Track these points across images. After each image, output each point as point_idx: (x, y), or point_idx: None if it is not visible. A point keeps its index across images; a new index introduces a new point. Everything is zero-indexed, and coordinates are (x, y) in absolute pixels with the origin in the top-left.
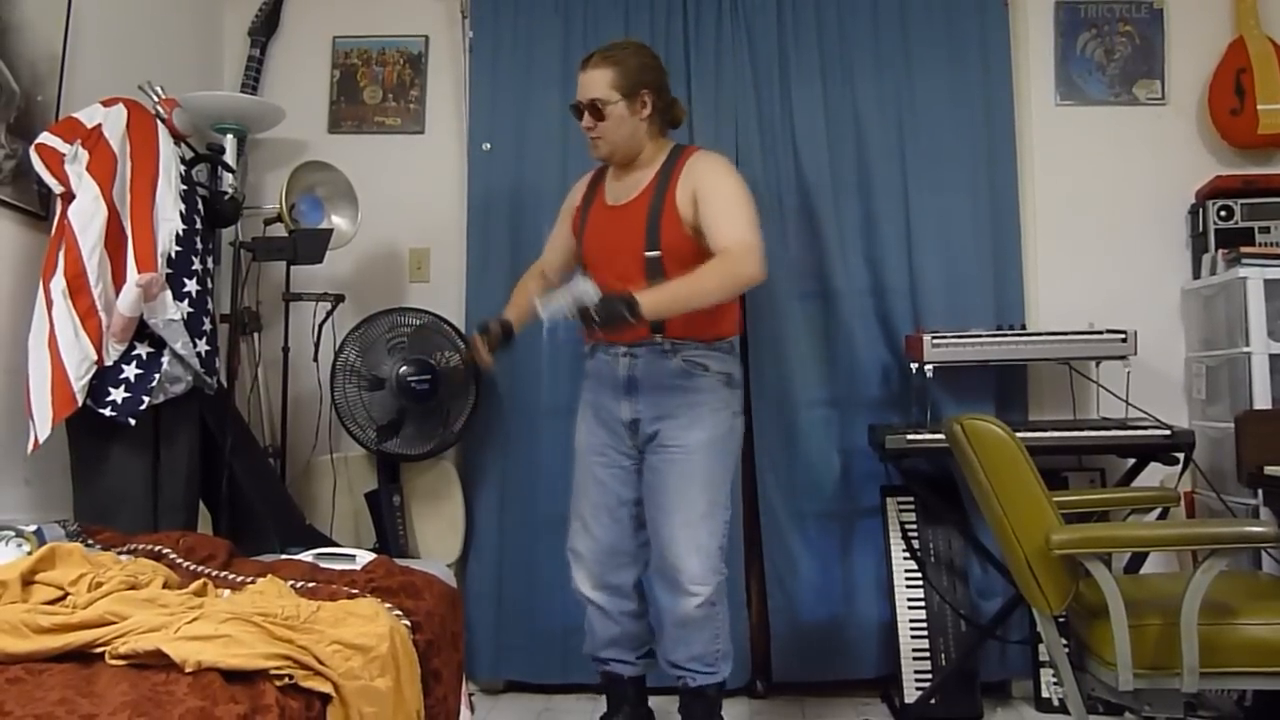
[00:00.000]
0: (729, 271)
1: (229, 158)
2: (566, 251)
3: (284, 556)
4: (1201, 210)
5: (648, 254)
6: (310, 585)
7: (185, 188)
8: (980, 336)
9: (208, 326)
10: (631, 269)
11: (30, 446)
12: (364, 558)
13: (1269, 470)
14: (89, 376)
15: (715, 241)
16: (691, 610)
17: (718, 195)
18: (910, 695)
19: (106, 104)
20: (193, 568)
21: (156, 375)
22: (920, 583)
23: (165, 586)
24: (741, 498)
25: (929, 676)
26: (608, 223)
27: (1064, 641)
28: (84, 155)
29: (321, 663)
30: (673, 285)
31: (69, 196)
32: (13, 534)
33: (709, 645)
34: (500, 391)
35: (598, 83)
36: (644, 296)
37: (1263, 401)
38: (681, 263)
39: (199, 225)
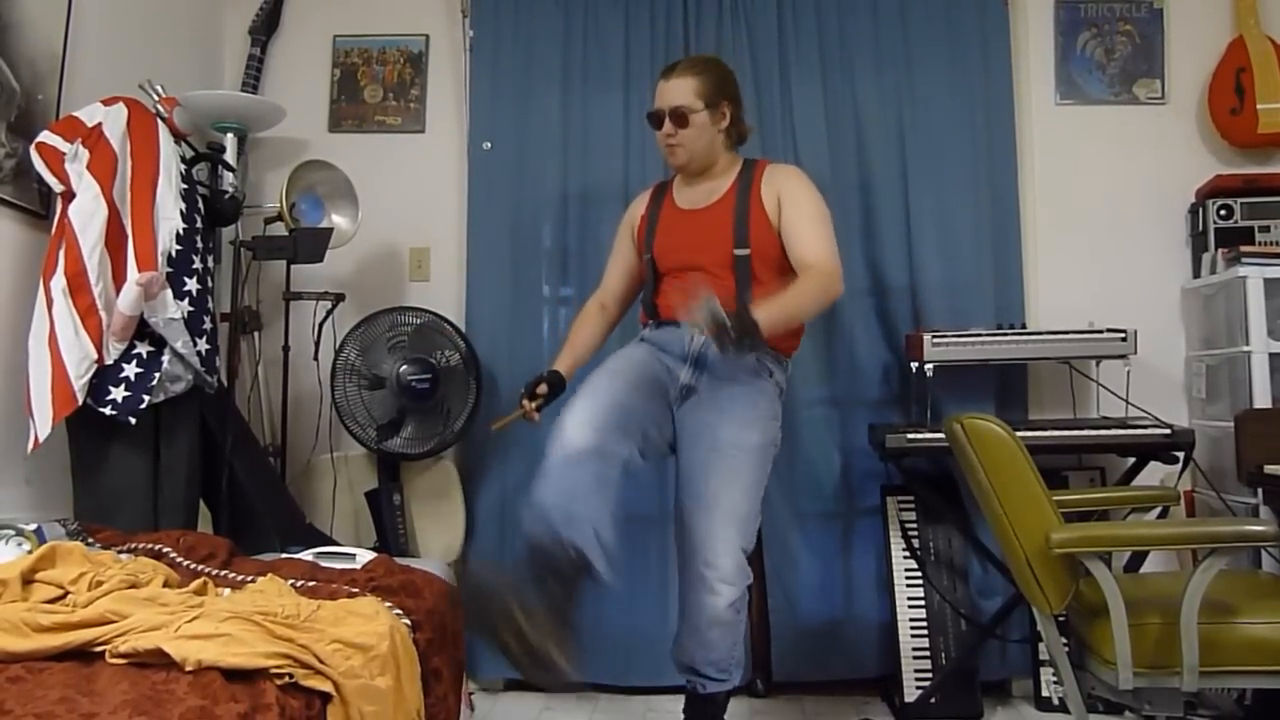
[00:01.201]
0: (825, 290)
1: (229, 156)
2: (629, 272)
3: (284, 555)
4: (1201, 209)
5: (737, 252)
6: (310, 584)
7: (186, 186)
8: (980, 336)
9: (208, 325)
10: (718, 267)
11: (30, 445)
12: (364, 557)
13: (1269, 469)
14: (89, 375)
15: (800, 254)
16: (722, 610)
17: (805, 207)
18: (910, 694)
19: (107, 103)
20: (193, 567)
21: (157, 374)
22: (920, 582)
23: (165, 585)
24: None
25: (929, 675)
26: (686, 224)
27: (1064, 640)
28: (84, 154)
29: (322, 661)
30: (780, 302)
31: (69, 195)
32: (13, 533)
33: (729, 651)
34: (501, 390)
35: (682, 90)
36: (759, 313)
37: (1263, 400)
38: (766, 262)
39: (199, 224)
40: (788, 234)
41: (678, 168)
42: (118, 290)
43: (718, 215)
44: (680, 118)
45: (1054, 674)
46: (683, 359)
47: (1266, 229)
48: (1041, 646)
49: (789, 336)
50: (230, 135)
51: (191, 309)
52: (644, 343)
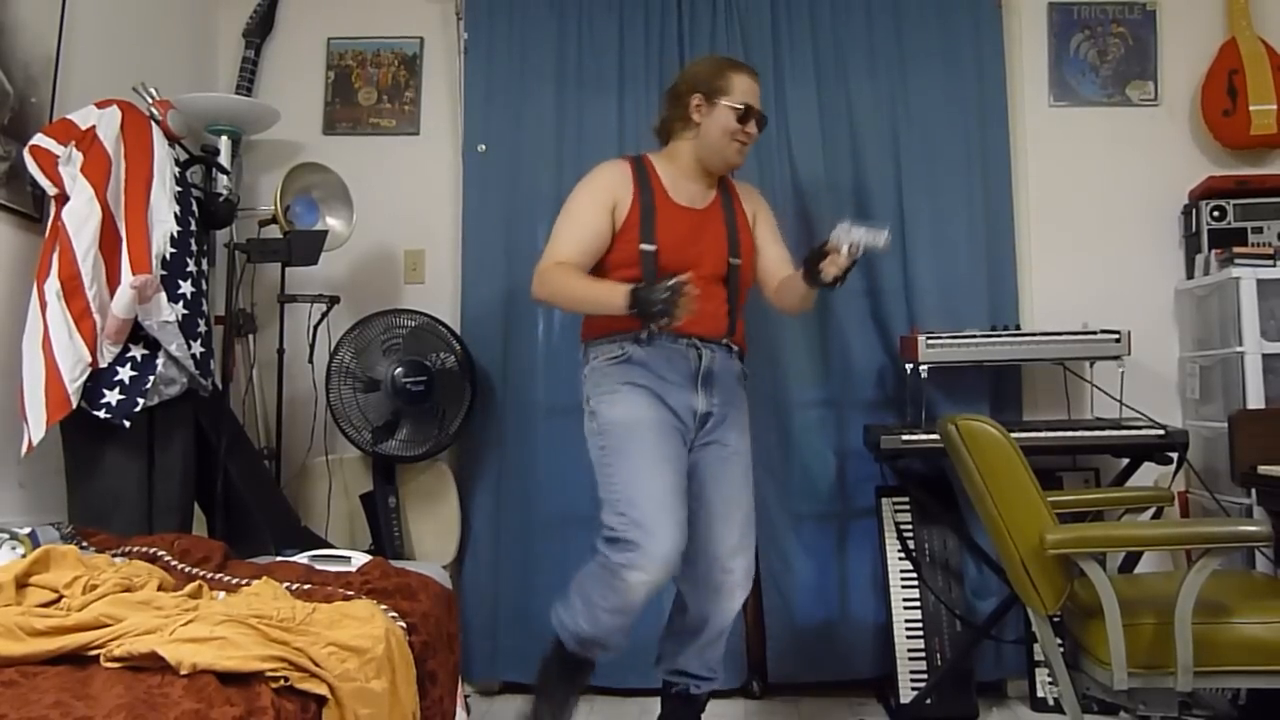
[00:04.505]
0: None
1: (224, 159)
2: (597, 248)
3: (279, 558)
4: (1194, 210)
5: (731, 260)
6: (306, 587)
7: (180, 189)
8: (975, 337)
9: (202, 328)
10: (713, 274)
11: (24, 449)
12: (359, 559)
13: (1262, 469)
14: (83, 378)
15: (781, 265)
16: (736, 613)
17: (774, 224)
18: (906, 695)
19: (101, 105)
20: (188, 570)
21: (151, 377)
22: (915, 583)
23: (160, 589)
24: None
25: (924, 676)
26: (690, 221)
27: (1059, 641)
28: (78, 157)
29: (317, 664)
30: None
31: (63, 198)
32: (7, 536)
33: (721, 650)
34: (496, 392)
35: None
36: None
37: (1256, 401)
38: (747, 275)
39: (194, 227)
40: (766, 247)
41: (734, 168)
42: (112, 293)
43: (714, 219)
44: (763, 122)
45: (1049, 674)
46: (688, 378)
47: (1259, 230)
48: (1037, 647)
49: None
50: (224, 138)
51: (186, 312)
52: (645, 391)
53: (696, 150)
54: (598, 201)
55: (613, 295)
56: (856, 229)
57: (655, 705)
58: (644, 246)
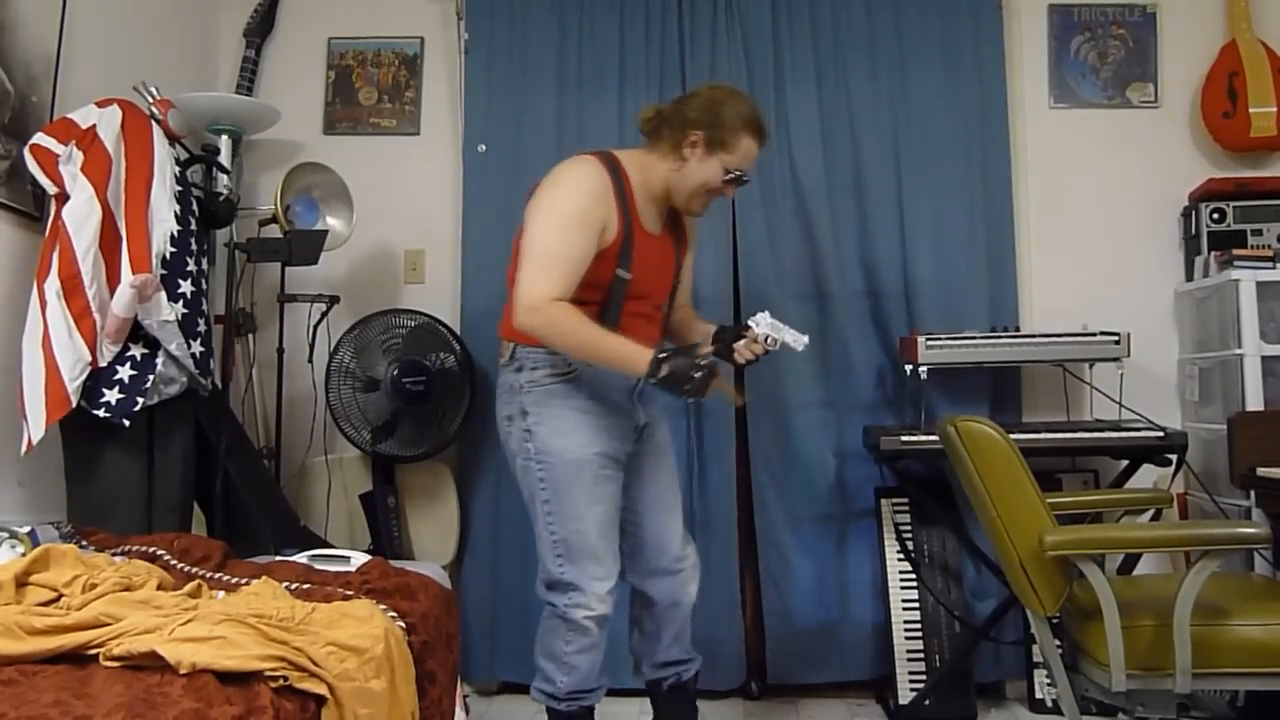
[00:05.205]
0: None
1: (224, 159)
2: (580, 277)
3: (279, 558)
4: (1194, 212)
5: (673, 284)
6: (305, 587)
7: (180, 189)
8: (974, 338)
9: (202, 327)
10: (665, 299)
11: (24, 448)
12: (359, 559)
13: (1261, 472)
14: (83, 377)
15: (688, 299)
16: (695, 594)
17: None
18: (905, 696)
19: (101, 105)
20: (187, 569)
21: (151, 376)
22: (915, 584)
23: (160, 588)
24: (736, 499)
25: (923, 677)
26: (654, 249)
27: (1057, 642)
28: (78, 156)
29: (316, 664)
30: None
31: (63, 197)
32: (6, 535)
33: (690, 631)
34: (495, 393)
35: None
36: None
37: (1255, 403)
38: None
39: (194, 226)
40: (685, 275)
41: (692, 215)
42: (112, 292)
43: (667, 246)
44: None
45: (1048, 676)
46: (627, 394)
47: (1259, 232)
48: (1035, 648)
49: None
50: (225, 137)
51: (186, 311)
52: (589, 419)
53: (670, 181)
54: (591, 226)
55: (636, 358)
56: (781, 326)
57: (639, 706)
58: (619, 273)
